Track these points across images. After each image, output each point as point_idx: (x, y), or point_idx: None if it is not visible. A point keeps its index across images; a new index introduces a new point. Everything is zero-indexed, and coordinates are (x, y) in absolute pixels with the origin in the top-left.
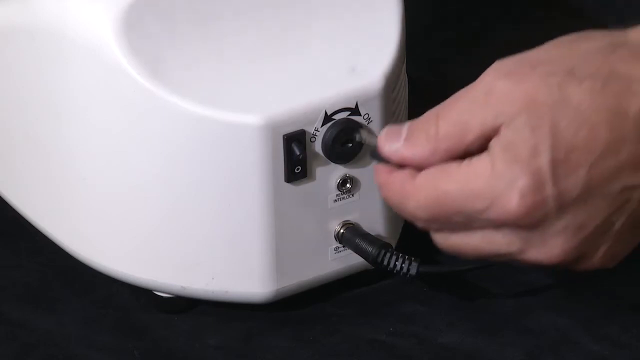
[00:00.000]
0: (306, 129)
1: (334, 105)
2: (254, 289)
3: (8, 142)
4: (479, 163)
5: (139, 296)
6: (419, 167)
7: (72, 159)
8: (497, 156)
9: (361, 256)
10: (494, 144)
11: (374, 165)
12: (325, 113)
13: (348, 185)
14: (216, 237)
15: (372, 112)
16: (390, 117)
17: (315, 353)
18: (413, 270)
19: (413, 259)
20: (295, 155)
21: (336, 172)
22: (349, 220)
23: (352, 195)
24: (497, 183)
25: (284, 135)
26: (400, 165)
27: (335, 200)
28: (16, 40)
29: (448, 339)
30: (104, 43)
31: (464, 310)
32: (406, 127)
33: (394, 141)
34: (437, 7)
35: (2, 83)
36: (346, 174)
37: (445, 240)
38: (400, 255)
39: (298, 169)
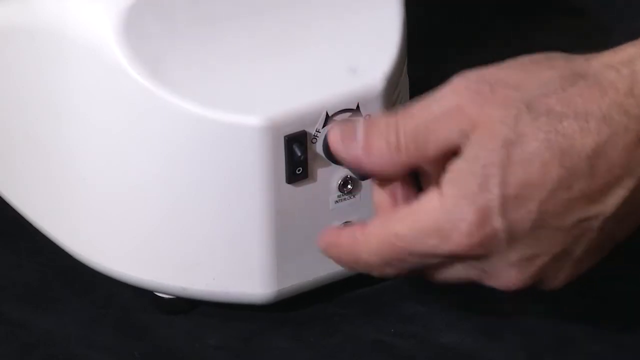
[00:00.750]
0: (307, 129)
1: (335, 106)
2: (255, 290)
3: (8, 142)
4: (428, 200)
5: (139, 296)
6: (377, 174)
7: (72, 159)
8: (446, 192)
9: None
10: (444, 179)
11: (320, 232)
12: (327, 114)
13: (349, 186)
14: (217, 237)
15: (373, 113)
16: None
17: (316, 354)
18: None
19: None
20: (297, 156)
21: (337, 173)
22: (350, 221)
23: (353, 196)
24: (445, 220)
25: (285, 136)
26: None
27: (337, 201)
28: (16, 40)
29: (448, 339)
30: (104, 43)
31: (464, 310)
32: (361, 128)
33: (349, 142)
34: (437, 7)
35: (2, 83)
36: (347, 175)
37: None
38: None
39: (299, 170)
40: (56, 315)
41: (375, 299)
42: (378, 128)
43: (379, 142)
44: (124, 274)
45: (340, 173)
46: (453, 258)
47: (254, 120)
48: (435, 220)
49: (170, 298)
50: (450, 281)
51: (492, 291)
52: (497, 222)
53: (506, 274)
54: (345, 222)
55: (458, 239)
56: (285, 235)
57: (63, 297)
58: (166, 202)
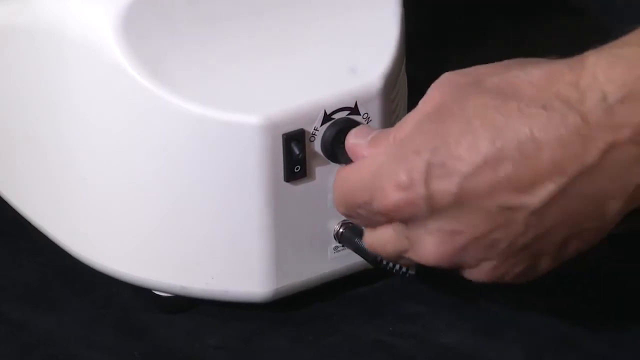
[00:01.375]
0: (306, 128)
1: (333, 104)
2: (254, 289)
3: (8, 142)
4: (374, 155)
5: (139, 296)
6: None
7: (72, 159)
8: (389, 149)
9: (360, 256)
10: (392, 136)
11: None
12: (325, 112)
13: None
14: (216, 236)
15: (372, 112)
16: (390, 116)
17: (316, 353)
18: (413, 270)
19: None
20: (295, 154)
21: (335, 171)
22: (348, 220)
23: None
24: (381, 175)
25: (283, 135)
26: None
27: None
28: (16, 40)
29: (448, 339)
30: (104, 43)
31: (464, 310)
32: (377, 130)
33: (361, 138)
34: (437, 7)
35: (2, 83)
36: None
37: (366, 238)
38: None
39: (297, 169)
40: (56, 315)
41: (375, 299)
42: (387, 129)
43: (381, 139)
44: (124, 273)
45: None
46: (383, 216)
47: (252, 119)
48: (373, 175)
49: (170, 297)
50: (383, 250)
51: (492, 291)
52: (420, 189)
53: (424, 243)
54: (344, 221)
55: (386, 197)
56: (284, 233)
57: (63, 297)
58: (165, 201)
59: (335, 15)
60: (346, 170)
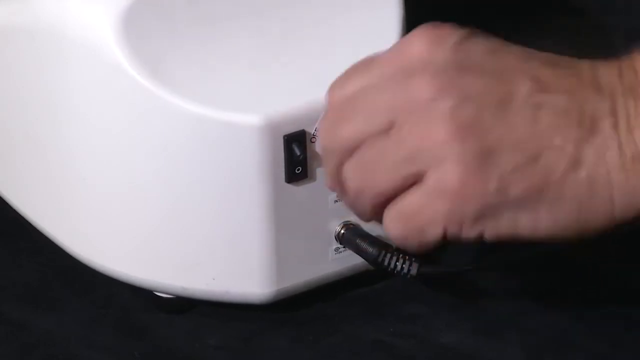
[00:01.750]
0: (306, 129)
1: None
2: (255, 290)
3: (8, 142)
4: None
5: (139, 296)
6: None
7: (72, 159)
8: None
9: (361, 257)
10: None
11: None
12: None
13: None
14: (216, 237)
15: None
16: None
17: (316, 353)
18: (413, 271)
19: (413, 259)
20: (296, 155)
21: None
22: (349, 221)
23: None
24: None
25: (284, 136)
26: None
27: (336, 201)
28: (16, 40)
29: (448, 339)
30: (104, 43)
31: (464, 310)
32: None
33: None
34: (437, 7)
35: (2, 83)
36: None
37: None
38: (401, 255)
39: (298, 170)
40: (56, 315)
41: (375, 299)
42: None
43: None
44: (124, 273)
45: None
46: (406, 67)
47: (253, 119)
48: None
49: (170, 298)
50: (395, 105)
51: (492, 291)
52: (451, 39)
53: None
54: (345, 221)
55: (414, 45)
56: (284, 234)
57: (63, 297)
58: (166, 201)
59: (336, 15)
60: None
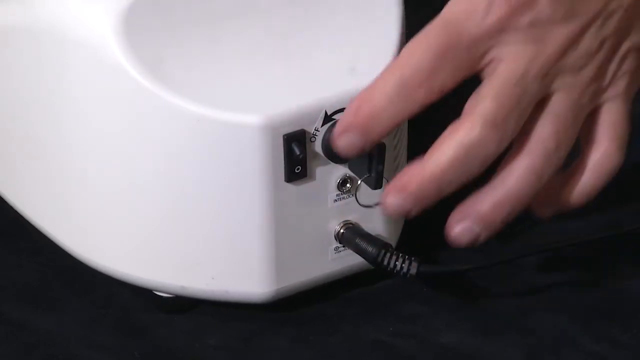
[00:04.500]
0: (306, 128)
1: (334, 105)
2: (254, 289)
3: (8, 142)
4: None
5: (139, 296)
6: None
7: (72, 159)
8: None
9: (361, 256)
10: None
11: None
12: (326, 113)
13: (348, 185)
14: (216, 237)
15: None
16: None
17: (316, 353)
18: (413, 270)
19: (413, 259)
20: (296, 155)
21: (336, 172)
22: (349, 220)
23: (352, 195)
24: None
25: (284, 135)
26: None
27: (336, 200)
28: (16, 40)
29: (448, 339)
30: (104, 43)
31: (464, 310)
32: None
33: None
34: (437, 7)
35: (2, 83)
36: (346, 174)
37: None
38: (400, 255)
39: (298, 169)
40: (56, 315)
41: (375, 299)
42: None
43: None
44: (124, 273)
45: (339, 172)
46: (500, 31)
47: (253, 119)
48: None
49: (170, 297)
50: (512, 98)
51: (492, 291)
52: None
53: (555, 33)
54: (345, 221)
55: (504, 2)
56: (284, 234)
57: (63, 297)
58: (166, 201)
59: (336, 15)
60: (436, 17)
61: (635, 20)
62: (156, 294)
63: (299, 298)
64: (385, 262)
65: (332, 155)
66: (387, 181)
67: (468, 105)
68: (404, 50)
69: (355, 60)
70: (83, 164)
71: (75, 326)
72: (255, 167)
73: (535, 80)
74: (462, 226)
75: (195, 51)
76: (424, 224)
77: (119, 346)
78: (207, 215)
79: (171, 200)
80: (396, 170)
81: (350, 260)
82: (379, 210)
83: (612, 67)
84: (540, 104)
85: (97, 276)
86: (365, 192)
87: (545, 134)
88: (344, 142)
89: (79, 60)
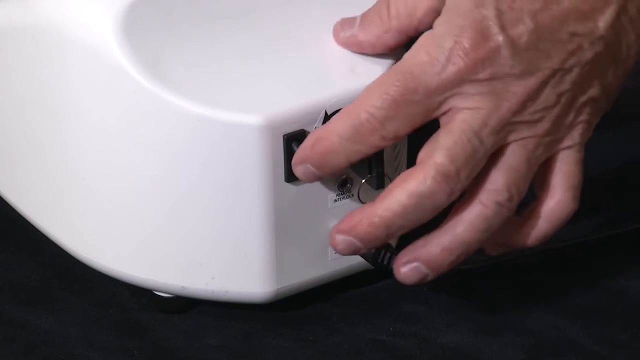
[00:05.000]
0: (306, 128)
1: (333, 105)
2: (254, 289)
3: (8, 142)
4: (421, 38)
5: (139, 296)
6: (373, 49)
7: (72, 159)
8: (438, 22)
9: (361, 256)
10: (435, 22)
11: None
12: (325, 113)
13: (348, 185)
14: (216, 237)
15: None
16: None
17: (315, 353)
18: None
19: None
20: None
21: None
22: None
23: (352, 195)
24: (443, 43)
25: (284, 135)
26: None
27: (335, 200)
28: (16, 39)
29: (448, 339)
30: (104, 43)
31: (464, 310)
32: (360, 15)
33: (348, 28)
34: None
35: (2, 83)
36: (346, 174)
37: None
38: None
39: None
40: (56, 315)
41: (374, 299)
42: (371, 8)
43: (372, 17)
44: (124, 273)
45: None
46: (459, 83)
47: (253, 119)
48: (432, 46)
49: (170, 297)
50: (461, 152)
51: (492, 291)
52: (499, 37)
53: (515, 87)
54: None
55: (464, 53)
56: (284, 234)
57: (63, 297)
58: (165, 201)
59: (336, 15)
60: (397, 64)
61: (592, 76)
62: (156, 294)
63: (299, 298)
64: (385, 262)
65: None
66: (390, 180)
67: (423, 154)
68: (363, 93)
69: (355, 60)
70: (83, 163)
71: (75, 326)
72: (255, 167)
73: (492, 134)
74: (410, 267)
75: (195, 51)
76: (424, 224)
77: (119, 346)
78: (207, 215)
79: (171, 200)
80: (397, 169)
81: (349, 260)
82: None
83: (569, 119)
84: (495, 153)
85: (97, 276)
86: (365, 192)
87: (499, 185)
88: (300, 171)
89: (78, 60)
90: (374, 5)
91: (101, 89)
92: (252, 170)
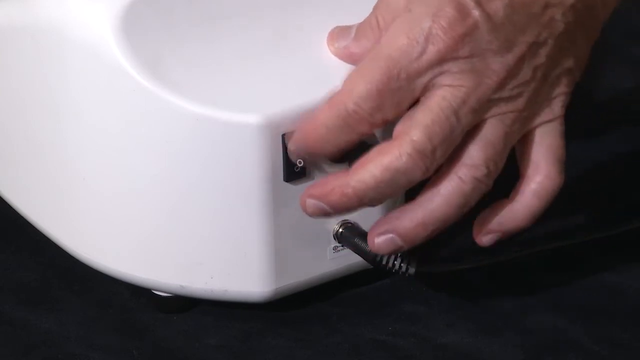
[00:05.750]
0: None
1: None
2: (253, 288)
3: (8, 142)
4: (398, 20)
5: (139, 296)
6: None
7: (72, 159)
8: (413, 3)
9: (360, 255)
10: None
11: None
12: None
13: None
14: (215, 236)
15: None
16: None
17: (315, 353)
18: (412, 270)
19: (412, 258)
20: None
21: (335, 171)
22: (347, 220)
23: None
24: (421, 23)
25: (283, 135)
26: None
27: None
28: (16, 40)
29: (448, 339)
30: (104, 43)
31: (464, 310)
32: (355, 27)
33: (342, 39)
34: None
35: (2, 83)
36: None
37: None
38: (399, 254)
39: (297, 168)
40: (56, 315)
41: (374, 298)
42: (364, 21)
43: (364, 30)
44: (124, 273)
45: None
46: (440, 62)
47: (252, 118)
48: (410, 30)
49: (170, 297)
50: (440, 132)
51: (492, 291)
52: (476, 12)
53: (494, 63)
54: (343, 220)
55: (443, 32)
56: (283, 233)
57: (63, 297)
58: (165, 201)
59: (336, 15)
60: (376, 49)
61: (565, 47)
62: (156, 294)
63: (298, 298)
64: (384, 262)
65: (332, 155)
66: None
67: (399, 128)
68: (346, 83)
69: None
70: (83, 163)
71: (75, 326)
72: (254, 166)
73: (470, 112)
74: (384, 238)
75: (194, 51)
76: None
77: (119, 346)
78: (206, 214)
79: (170, 199)
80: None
81: (349, 259)
82: (378, 210)
83: (545, 92)
84: (473, 128)
85: (97, 276)
86: None
87: (476, 160)
88: (295, 157)
89: (78, 60)
90: (367, 18)
91: (101, 89)
92: (251, 170)
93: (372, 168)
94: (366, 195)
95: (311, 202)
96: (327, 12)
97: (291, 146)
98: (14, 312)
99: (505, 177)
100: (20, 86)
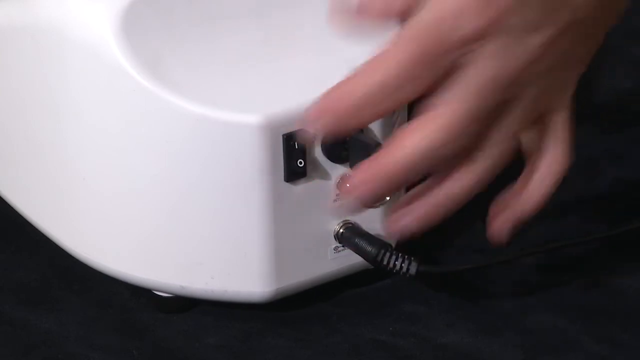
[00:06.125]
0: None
1: None
2: (254, 289)
3: (8, 142)
4: None
5: (139, 296)
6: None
7: (72, 159)
8: None
9: (361, 256)
10: None
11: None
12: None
13: (347, 185)
14: (216, 236)
15: None
16: (389, 116)
17: (315, 353)
18: (412, 270)
19: (412, 258)
20: (295, 154)
21: (336, 171)
22: (348, 220)
23: None
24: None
25: (283, 135)
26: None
27: (335, 200)
28: (16, 40)
29: (448, 339)
30: (104, 43)
31: (464, 310)
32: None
33: None
34: None
35: (2, 83)
36: (346, 174)
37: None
38: (400, 254)
39: (298, 169)
40: (56, 315)
41: (374, 299)
42: None
43: None
44: (124, 273)
45: (338, 172)
46: (477, 37)
47: (252, 118)
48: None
49: (170, 297)
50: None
51: (492, 291)
52: None
53: (524, 45)
54: (344, 221)
55: (479, 9)
56: (284, 233)
57: (63, 297)
58: (165, 201)
59: None
60: (417, 22)
61: (583, 33)
62: (156, 294)
63: (298, 298)
64: (385, 262)
65: (332, 155)
66: None
67: (435, 101)
68: (388, 49)
69: (355, 60)
70: (83, 163)
71: (75, 326)
72: (254, 166)
73: (500, 90)
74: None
75: (194, 51)
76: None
77: (119, 346)
78: (207, 214)
79: (170, 200)
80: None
81: (349, 259)
82: (378, 210)
83: (562, 77)
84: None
85: (97, 276)
86: None
87: (501, 136)
88: (312, 124)
89: (78, 60)
90: None
91: (101, 89)
92: (251, 170)
93: (417, 138)
94: (415, 167)
95: (315, 115)
96: (327, 12)
97: (312, 116)
98: (14, 312)
99: (507, 177)
100: (20, 86)
